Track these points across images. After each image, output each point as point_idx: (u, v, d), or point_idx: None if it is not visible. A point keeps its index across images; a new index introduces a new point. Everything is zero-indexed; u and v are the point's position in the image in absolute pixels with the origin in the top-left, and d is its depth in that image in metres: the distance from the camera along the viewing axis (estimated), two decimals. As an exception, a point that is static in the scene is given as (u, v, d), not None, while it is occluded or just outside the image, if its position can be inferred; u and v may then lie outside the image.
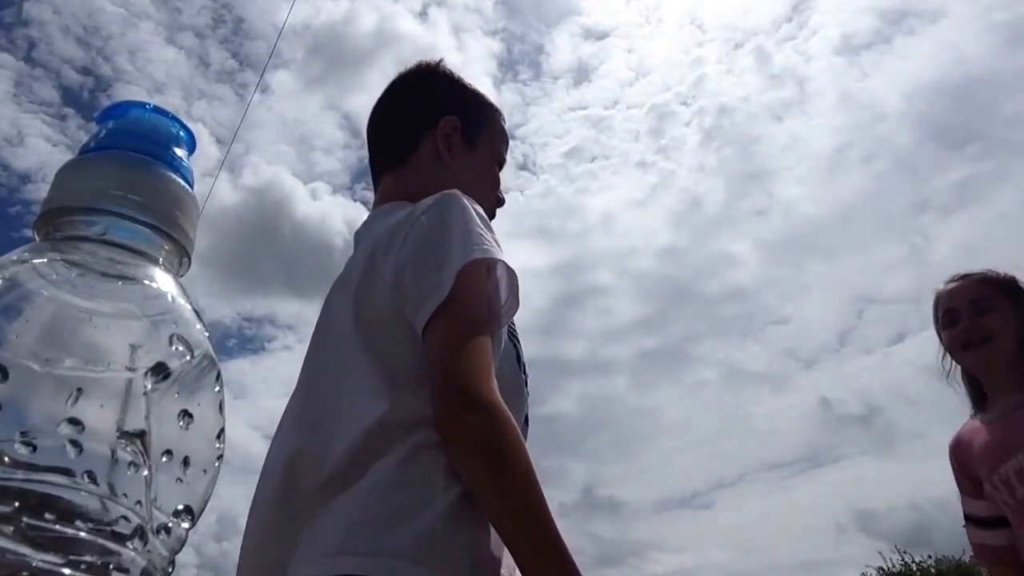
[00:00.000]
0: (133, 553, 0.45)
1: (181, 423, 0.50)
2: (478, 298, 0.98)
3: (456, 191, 1.06)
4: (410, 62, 1.30)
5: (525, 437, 0.98)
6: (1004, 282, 1.78)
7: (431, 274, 0.96)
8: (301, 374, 1.08)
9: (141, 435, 0.47)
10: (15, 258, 0.49)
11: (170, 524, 0.49)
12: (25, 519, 0.42)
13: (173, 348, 0.50)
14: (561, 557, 0.84)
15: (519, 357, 1.14)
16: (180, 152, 0.55)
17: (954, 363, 1.83)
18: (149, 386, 0.48)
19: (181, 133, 0.56)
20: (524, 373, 1.14)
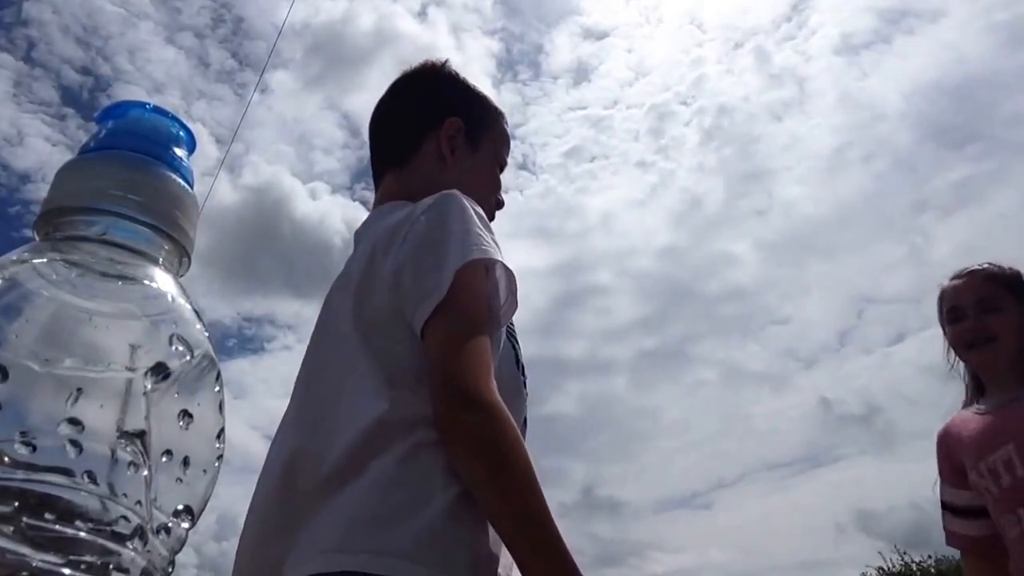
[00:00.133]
0: (133, 553, 0.45)
1: (181, 423, 0.50)
2: (477, 298, 0.98)
3: (456, 191, 1.06)
4: (415, 61, 1.30)
5: (524, 438, 0.98)
6: (1009, 279, 1.78)
7: (430, 274, 0.96)
8: (300, 373, 1.08)
9: (141, 435, 0.47)
10: (15, 258, 0.49)
11: (170, 524, 0.49)
12: (25, 519, 0.42)
13: (173, 348, 0.50)
14: (561, 557, 0.84)
15: (518, 358, 1.14)
16: (180, 152, 0.55)
17: (955, 359, 1.84)
18: (149, 386, 0.48)
19: (181, 133, 0.56)
20: (523, 374, 1.14)
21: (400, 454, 0.90)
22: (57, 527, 0.43)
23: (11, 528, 0.41)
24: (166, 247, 0.52)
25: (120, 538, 0.45)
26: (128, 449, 0.47)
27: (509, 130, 1.31)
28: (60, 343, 0.48)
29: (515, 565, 0.86)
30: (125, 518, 0.45)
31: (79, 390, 0.46)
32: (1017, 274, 1.79)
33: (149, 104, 0.57)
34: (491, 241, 1.02)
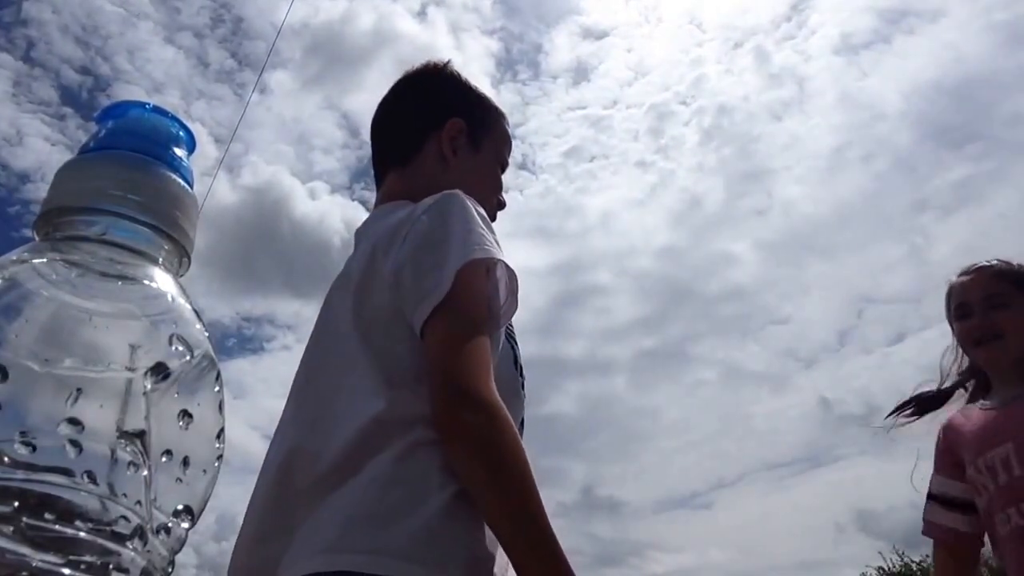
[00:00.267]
0: (133, 553, 0.45)
1: (181, 423, 0.50)
2: (477, 298, 0.98)
3: (458, 191, 1.06)
4: (416, 61, 1.30)
5: (521, 439, 0.98)
6: (1018, 275, 1.76)
7: (430, 273, 0.96)
8: (299, 372, 1.08)
9: (141, 435, 0.47)
10: (15, 258, 0.49)
11: (170, 524, 0.49)
12: (25, 519, 0.42)
13: (173, 348, 0.50)
14: (556, 558, 0.84)
15: (516, 359, 1.14)
16: (180, 152, 0.55)
17: (962, 354, 1.83)
18: (149, 386, 0.48)
19: (181, 133, 0.56)
20: (521, 375, 1.14)
21: (397, 453, 0.90)
22: (57, 527, 0.43)
23: (11, 528, 0.41)
24: (166, 247, 0.52)
25: (120, 538, 0.45)
26: (128, 449, 0.47)
27: (510, 131, 1.31)
28: (60, 343, 0.48)
29: (511, 565, 0.86)
30: (125, 518, 0.45)
31: (79, 390, 0.46)
32: None
33: (149, 104, 0.57)
34: (493, 241, 1.02)
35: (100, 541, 0.44)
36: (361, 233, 1.19)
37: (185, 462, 0.50)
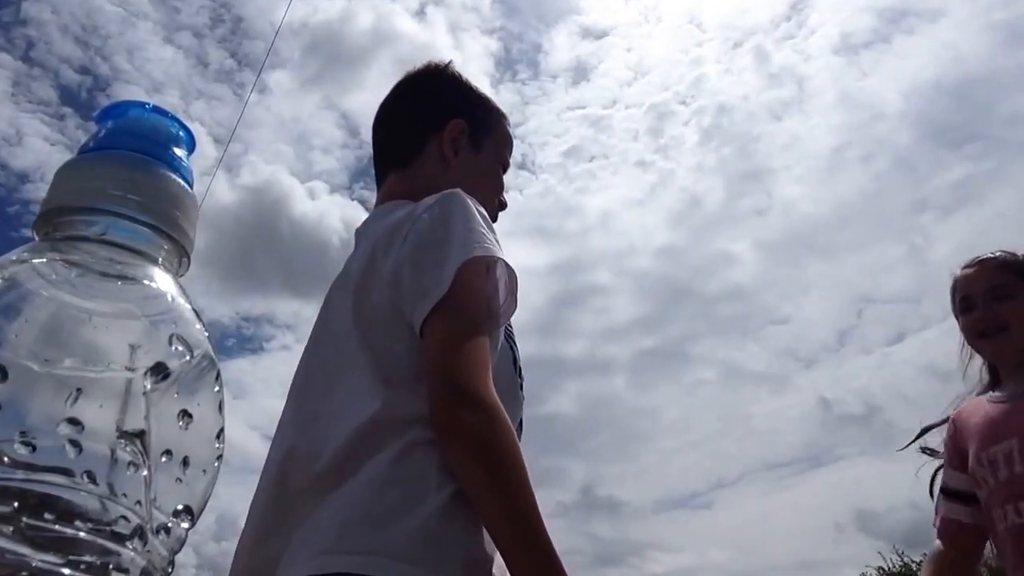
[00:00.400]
0: (133, 553, 0.45)
1: (181, 423, 0.50)
2: (477, 296, 0.98)
3: (459, 190, 1.06)
4: (417, 62, 1.30)
5: (519, 440, 0.98)
6: (1022, 265, 1.75)
7: (430, 271, 0.96)
8: (298, 372, 1.08)
9: (141, 435, 0.47)
10: (15, 258, 0.49)
11: (170, 524, 0.49)
12: (25, 519, 0.42)
13: (172, 348, 0.50)
14: (550, 559, 0.84)
15: (516, 360, 1.13)
16: (180, 152, 0.55)
17: (971, 350, 1.81)
18: (149, 386, 0.48)
19: (181, 133, 0.56)
20: (520, 377, 1.14)
21: (395, 453, 0.90)
22: (57, 527, 0.43)
23: (11, 528, 0.41)
24: (166, 247, 0.52)
25: (120, 538, 0.45)
26: (128, 449, 0.47)
27: (511, 131, 1.31)
28: (60, 343, 0.48)
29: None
30: (125, 518, 0.45)
31: (79, 390, 0.46)
32: None
33: (149, 104, 0.57)
34: (493, 240, 1.02)
35: (100, 541, 0.44)
36: (361, 232, 1.19)
37: (185, 462, 0.50)
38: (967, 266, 1.79)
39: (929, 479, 1.82)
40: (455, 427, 0.88)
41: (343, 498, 0.88)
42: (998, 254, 1.78)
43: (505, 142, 1.29)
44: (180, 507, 0.50)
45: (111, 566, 0.44)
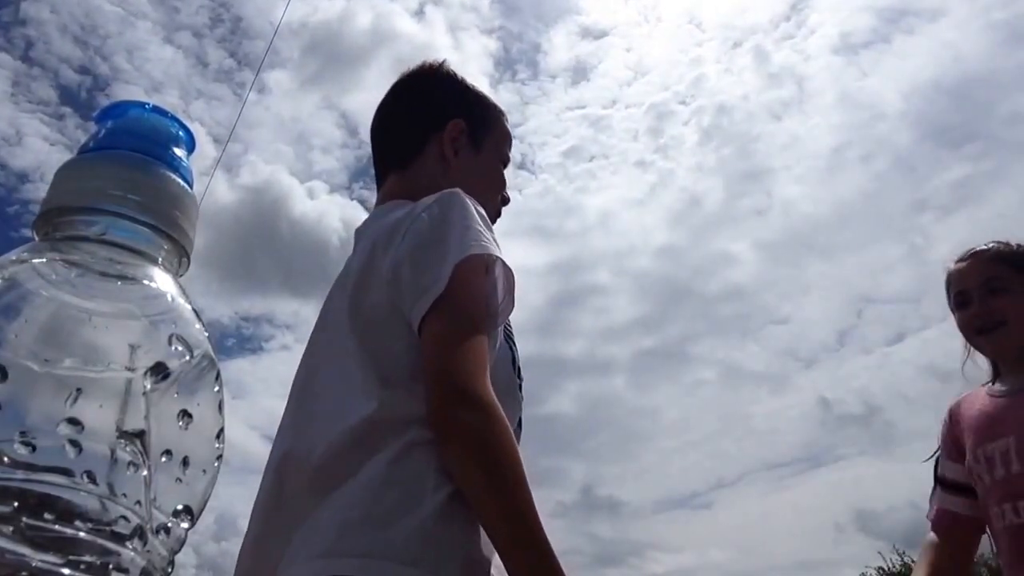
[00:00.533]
0: (132, 553, 0.45)
1: (180, 423, 0.50)
2: (475, 294, 0.98)
3: (458, 190, 1.06)
4: (413, 63, 1.30)
5: (518, 441, 0.98)
6: (1017, 257, 1.70)
7: (429, 269, 0.96)
8: (298, 372, 1.08)
9: (140, 435, 0.47)
10: (14, 258, 0.49)
11: (169, 524, 0.49)
12: (24, 519, 0.42)
13: (172, 348, 0.50)
14: (548, 560, 0.84)
15: (515, 360, 1.13)
16: (180, 152, 0.55)
17: (971, 347, 1.78)
18: (148, 386, 0.48)
19: (180, 133, 0.56)
20: (519, 377, 1.14)
21: (392, 455, 0.90)
22: (57, 527, 0.43)
23: (11, 528, 0.41)
24: (165, 247, 0.52)
25: (119, 538, 0.45)
26: (128, 449, 0.47)
27: (509, 127, 1.31)
28: (60, 343, 0.48)
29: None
30: (125, 518, 0.45)
31: (78, 390, 0.46)
32: None
33: (148, 104, 0.57)
34: (491, 239, 1.02)
35: (100, 541, 0.44)
36: (361, 232, 1.19)
37: (185, 462, 0.50)
38: (960, 259, 1.75)
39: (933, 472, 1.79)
40: (453, 427, 0.88)
41: (342, 499, 0.88)
42: (992, 245, 1.74)
43: (504, 138, 1.29)
44: (180, 507, 0.50)
45: (111, 566, 0.44)
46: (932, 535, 1.76)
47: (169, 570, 0.50)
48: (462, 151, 1.22)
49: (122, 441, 0.46)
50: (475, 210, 1.04)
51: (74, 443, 0.44)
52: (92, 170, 0.52)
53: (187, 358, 0.51)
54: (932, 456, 1.80)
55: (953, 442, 1.73)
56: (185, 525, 0.51)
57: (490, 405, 0.89)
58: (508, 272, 1.03)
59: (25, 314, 0.48)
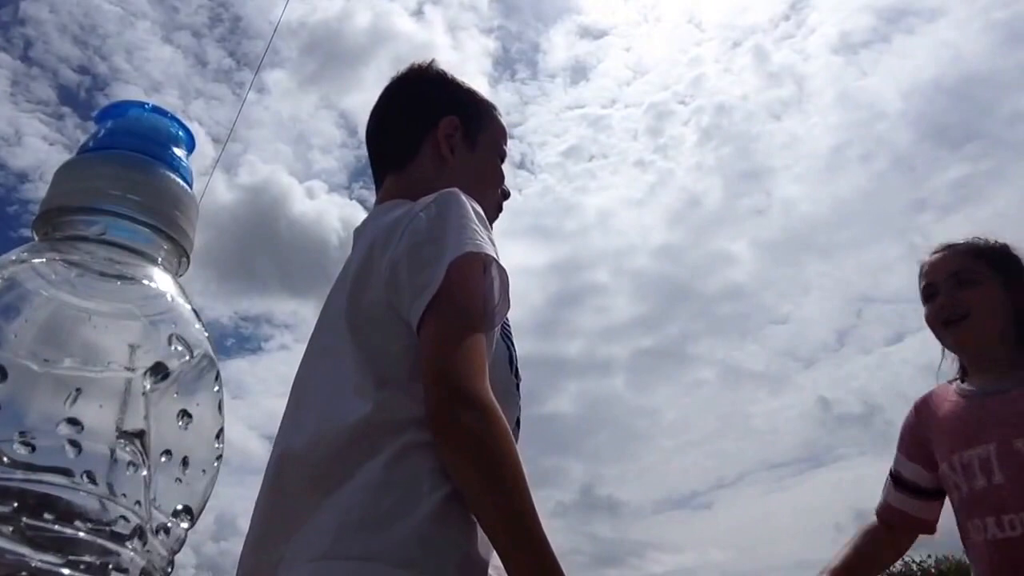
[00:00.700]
0: (132, 553, 0.45)
1: (180, 423, 0.50)
2: (473, 294, 0.98)
3: (456, 189, 1.06)
4: (403, 65, 1.30)
5: (516, 441, 0.98)
6: (991, 251, 1.62)
7: (425, 269, 0.96)
8: (299, 373, 1.08)
9: (140, 435, 0.47)
10: (14, 258, 0.49)
11: (169, 524, 0.49)
12: (24, 519, 0.42)
13: (172, 348, 0.50)
14: (547, 560, 0.84)
15: (512, 360, 1.13)
16: (179, 152, 0.55)
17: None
18: (148, 386, 0.48)
19: (180, 133, 0.56)
20: (517, 377, 1.13)
21: (389, 457, 0.90)
22: (56, 527, 0.43)
23: (10, 528, 0.41)
24: (165, 247, 0.52)
25: (119, 538, 0.45)
26: (127, 449, 0.47)
27: (504, 121, 1.31)
28: (59, 343, 0.48)
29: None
30: (124, 518, 0.45)
31: (78, 390, 0.46)
32: (1003, 247, 1.64)
33: (148, 104, 0.57)
34: (487, 238, 1.02)
35: (99, 541, 0.44)
36: (359, 232, 1.19)
37: (184, 462, 0.50)
38: (934, 252, 1.69)
39: None
40: (452, 428, 0.88)
41: (340, 501, 0.88)
42: (968, 239, 1.67)
43: (500, 133, 1.29)
44: (180, 507, 0.50)
45: (111, 566, 0.44)
46: (875, 521, 1.72)
47: (169, 570, 0.50)
48: (458, 148, 1.22)
49: (122, 441, 0.46)
50: (472, 209, 1.04)
51: (74, 443, 0.44)
52: (92, 170, 0.52)
53: (187, 358, 0.51)
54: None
55: (917, 443, 1.67)
56: (185, 525, 0.51)
57: (489, 406, 0.88)
58: (503, 273, 1.03)
59: (25, 314, 0.48)
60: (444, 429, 0.88)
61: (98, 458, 0.45)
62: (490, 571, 0.88)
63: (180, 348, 0.50)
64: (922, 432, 1.65)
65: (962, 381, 1.64)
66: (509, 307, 1.04)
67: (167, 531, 0.49)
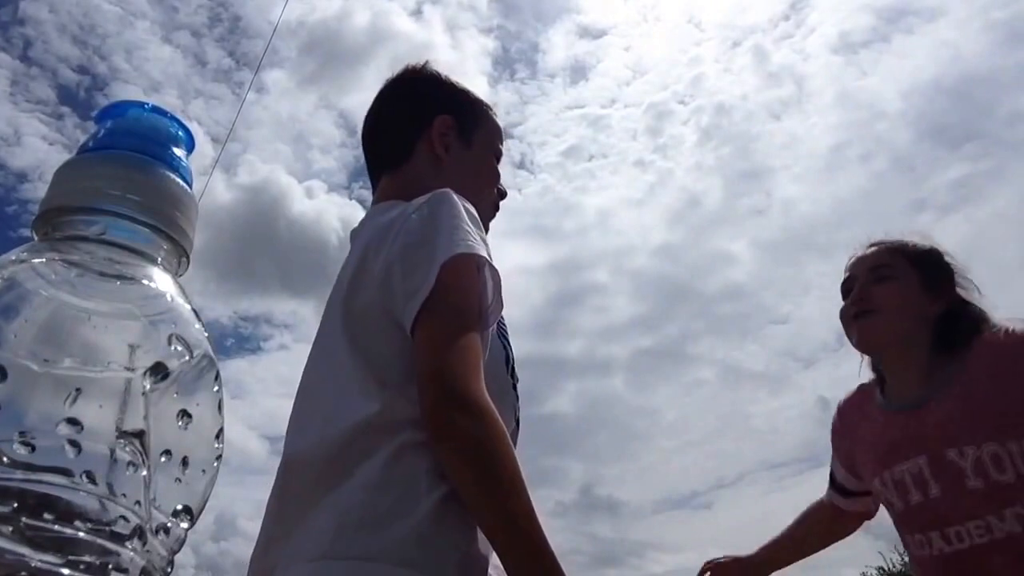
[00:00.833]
0: (132, 553, 0.45)
1: (180, 423, 0.50)
2: (467, 294, 0.98)
3: (448, 190, 1.06)
4: (397, 66, 1.30)
5: (515, 441, 0.98)
6: (917, 252, 1.52)
7: (417, 270, 0.96)
8: (303, 376, 1.08)
9: (140, 435, 0.47)
10: (14, 258, 0.49)
11: (169, 524, 0.49)
12: (24, 519, 0.42)
13: (172, 348, 0.50)
14: (546, 559, 0.84)
15: (509, 360, 1.13)
16: (179, 152, 0.55)
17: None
18: (148, 386, 0.48)
19: (180, 133, 0.56)
20: (514, 376, 1.13)
21: (385, 457, 0.90)
22: (56, 527, 0.43)
23: (10, 528, 0.41)
24: (165, 247, 0.53)
25: (119, 538, 0.45)
26: (127, 449, 0.47)
27: (498, 119, 1.31)
28: (59, 343, 0.48)
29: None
30: (124, 518, 0.45)
31: (78, 390, 0.46)
32: (932, 250, 1.52)
33: (148, 104, 0.57)
34: (479, 239, 1.02)
35: (99, 541, 0.44)
36: (356, 233, 1.19)
37: (184, 462, 0.50)
38: (865, 247, 1.59)
39: None
40: (447, 429, 0.88)
41: (339, 501, 0.88)
42: (900, 238, 1.57)
43: (495, 132, 1.29)
44: (179, 507, 0.50)
45: (110, 566, 0.44)
46: (825, 499, 1.71)
47: (168, 570, 0.50)
48: (452, 147, 1.22)
49: (122, 441, 0.46)
50: (465, 209, 1.04)
51: (73, 443, 0.44)
52: (91, 170, 0.52)
53: (186, 358, 0.51)
54: None
55: (842, 451, 1.62)
56: (184, 525, 0.51)
57: (485, 407, 0.88)
58: (495, 274, 1.03)
59: (25, 314, 0.48)
60: (440, 430, 0.88)
61: (98, 458, 0.45)
62: (490, 571, 0.88)
63: (180, 348, 0.50)
64: (846, 444, 1.61)
65: (881, 391, 1.54)
66: (502, 308, 1.05)
67: (167, 531, 0.49)
